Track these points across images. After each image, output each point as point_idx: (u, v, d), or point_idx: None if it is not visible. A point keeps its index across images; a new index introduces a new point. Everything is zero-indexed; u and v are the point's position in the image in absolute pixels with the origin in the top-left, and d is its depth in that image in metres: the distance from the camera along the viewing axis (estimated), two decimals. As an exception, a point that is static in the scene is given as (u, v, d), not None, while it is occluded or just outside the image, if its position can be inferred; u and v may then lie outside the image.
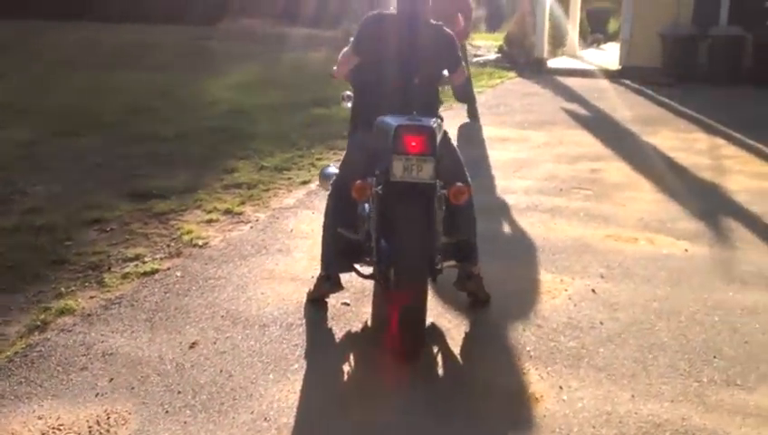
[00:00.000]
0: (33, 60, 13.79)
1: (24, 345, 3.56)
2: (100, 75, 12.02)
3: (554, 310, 4.04)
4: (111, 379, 3.27)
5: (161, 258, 4.66)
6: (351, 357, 3.54)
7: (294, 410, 3.08)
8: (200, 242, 4.91)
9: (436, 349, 3.62)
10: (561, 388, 3.29)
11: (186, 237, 4.98)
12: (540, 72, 14.25)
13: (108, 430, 2.91)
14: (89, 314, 3.88)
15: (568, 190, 6.29)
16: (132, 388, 3.21)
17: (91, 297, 4.13)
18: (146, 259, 4.64)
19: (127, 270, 4.47)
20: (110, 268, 4.51)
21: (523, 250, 4.94)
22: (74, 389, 3.19)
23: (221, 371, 3.35)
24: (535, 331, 3.80)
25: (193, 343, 3.59)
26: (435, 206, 3.46)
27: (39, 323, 3.80)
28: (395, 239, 3.39)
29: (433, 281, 3.57)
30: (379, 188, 3.46)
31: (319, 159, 7.13)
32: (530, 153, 7.67)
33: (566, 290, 4.30)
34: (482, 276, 4.06)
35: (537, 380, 3.37)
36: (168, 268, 4.49)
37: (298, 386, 3.25)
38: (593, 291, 4.28)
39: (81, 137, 7.93)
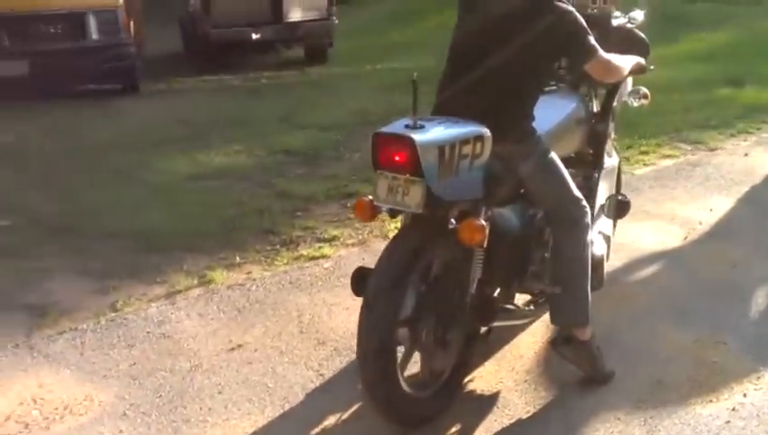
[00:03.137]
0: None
1: (130, 310, 3.78)
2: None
3: (684, 422, 2.73)
4: (133, 364, 3.28)
5: (347, 244, 4.46)
6: (350, 408, 2.92)
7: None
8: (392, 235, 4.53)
9: (458, 427, 2.78)
10: None
11: (389, 227, 4.64)
12: None
13: (62, 417, 2.92)
14: (212, 292, 3.92)
15: None
16: (135, 379, 3.16)
17: (248, 273, 4.17)
18: (334, 243, 4.48)
19: (303, 252, 4.38)
20: (297, 246, 4.48)
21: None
22: (99, 365, 3.27)
23: (218, 384, 3.09)
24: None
25: (238, 346, 3.38)
26: (429, 243, 2.62)
27: (173, 290, 4.00)
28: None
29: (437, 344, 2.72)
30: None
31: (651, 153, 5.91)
32: None
33: (745, 395, 2.86)
34: (595, 347, 2.96)
35: None
36: (332, 256, 4.27)
37: (253, 427, 2.83)
38: (790, 408, 2.77)
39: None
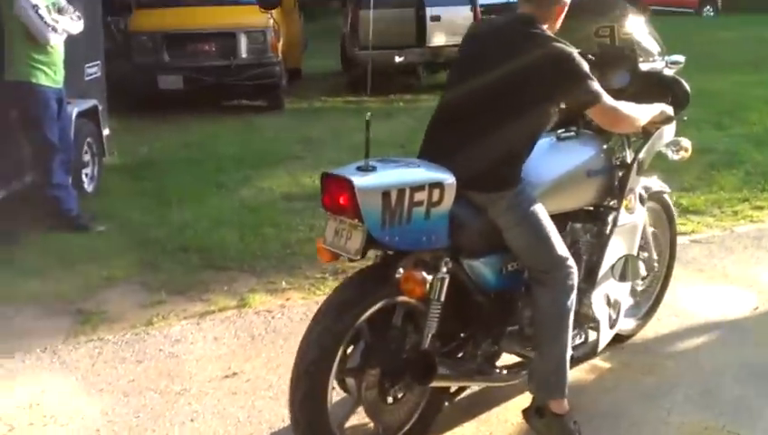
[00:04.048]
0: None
1: (159, 326, 3.87)
2: None
3: None
4: (132, 380, 3.35)
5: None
6: None
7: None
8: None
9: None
10: None
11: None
12: None
13: (45, 425, 3.02)
14: (239, 316, 3.95)
15: None
16: (126, 396, 3.21)
17: (287, 299, 4.20)
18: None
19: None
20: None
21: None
22: (102, 378, 3.37)
23: (195, 411, 3.08)
24: None
25: (233, 374, 3.37)
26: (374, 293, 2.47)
27: (208, 310, 4.06)
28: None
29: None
30: None
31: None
32: None
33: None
34: (572, 422, 2.67)
35: None
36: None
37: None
38: None
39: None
